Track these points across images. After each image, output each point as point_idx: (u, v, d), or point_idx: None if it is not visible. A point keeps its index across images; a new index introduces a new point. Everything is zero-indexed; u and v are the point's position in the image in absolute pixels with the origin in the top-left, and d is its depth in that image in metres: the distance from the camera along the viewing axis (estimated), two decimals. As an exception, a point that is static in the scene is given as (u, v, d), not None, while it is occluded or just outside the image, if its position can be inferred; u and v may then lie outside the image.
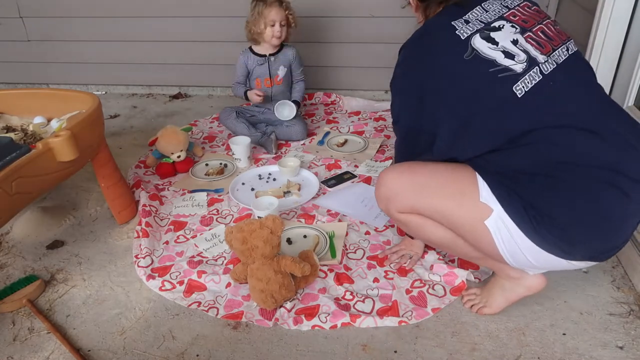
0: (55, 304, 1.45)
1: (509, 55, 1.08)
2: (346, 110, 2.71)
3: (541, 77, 1.08)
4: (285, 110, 2.28)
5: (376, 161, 2.13)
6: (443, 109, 1.13)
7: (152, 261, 1.58)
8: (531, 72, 1.07)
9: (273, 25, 2.18)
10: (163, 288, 1.47)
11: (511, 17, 1.15)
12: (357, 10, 2.65)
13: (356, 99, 2.77)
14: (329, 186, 1.96)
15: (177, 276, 1.51)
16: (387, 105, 2.70)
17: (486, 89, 1.08)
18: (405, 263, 1.50)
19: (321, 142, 2.33)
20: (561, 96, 1.08)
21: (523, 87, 1.06)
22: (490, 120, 1.09)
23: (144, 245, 1.61)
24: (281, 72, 2.31)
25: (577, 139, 1.05)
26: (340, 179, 2.01)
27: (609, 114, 1.10)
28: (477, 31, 1.11)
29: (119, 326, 1.36)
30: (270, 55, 2.28)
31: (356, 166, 2.10)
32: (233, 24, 2.79)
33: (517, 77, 1.06)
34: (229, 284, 1.46)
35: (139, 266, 1.55)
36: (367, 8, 2.63)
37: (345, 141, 2.32)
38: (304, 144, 2.33)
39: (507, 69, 1.07)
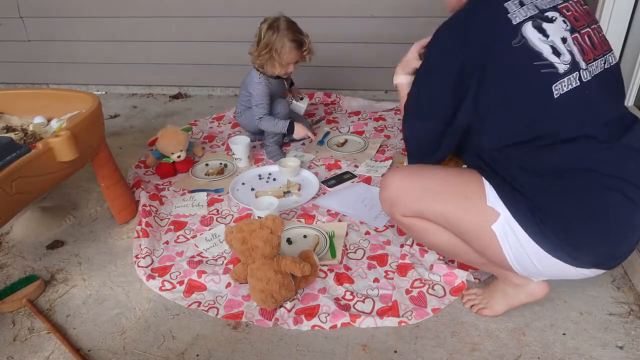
0: (55, 304, 1.45)
1: (555, 52, 1.05)
2: (346, 110, 2.70)
3: (579, 83, 1.05)
4: (302, 104, 2.26)
5: (376, 161, 2.13)
6: (481, 89, 1.08)
7: (152, 261, 1.58)
8: (571, 75, 1.04)
9: (286, 66, 2.02)
10: (163, 288, 1.47)
11: (564, 10, 1.10)
12: (357, 10, 2.65)
13: (356, 99, 2.77)
14: (329, 186, 1.96)
15: (177, 276, 1.51)
16: (387, 105, 2.72)
17: (526, 80, 1.05)
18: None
19: (321, 142, 2.33)
20: (590, 107, 1.06)
21: (561, 88, 1.04)
22: (522, 111, 1.07)
23: (144, 245, 1.61)
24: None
25: (589, 148, 1.05)
26: (340, 179, 2.01)
27: (623, 127, 1.09)
28: (529, 18, 1.06)
29: (119, 326, 1.36)
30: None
31: (356, 166, 2.10)
32: (233, 24, 2.80)
33: (558, 76, 1.04)
34: (229, 284, 1.46)
35: (139, 266, 1.55)
36: (367, 8, 2.63)
37: (345, 141, 2.32)
38: (303, 144, 2.33)
39: (551, 65, 1.04)
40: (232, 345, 1.28)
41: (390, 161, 2.12)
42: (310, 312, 1.35)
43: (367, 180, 1.99)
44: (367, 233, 1.68)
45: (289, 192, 1.91)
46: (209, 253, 1.61)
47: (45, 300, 1.46)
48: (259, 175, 2.05)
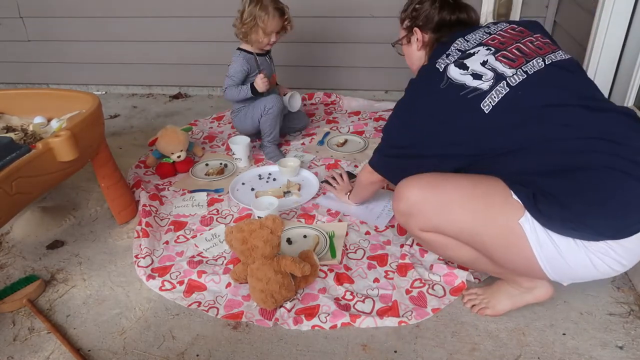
0: (55, 304, 1.45)
1: (477, 76, 1.15)
2: (346, 110, 2.71)
3: (508, 89, 1.12)
4: (296, 101, 2.24)
5: (376, 161, 2.13)
6: (428, 135, 1.23)
7: (152, 261, 1.58)
8: (498, 87, 1.12)
9: (270, 34, 2.09)
10: (163, 288, 1.47)
11: (490, 41, 1.22)
12: (357, 10, 2.65)
13: (356, 99, 2.77)
14: (329, 186, 1.96)
15: (177, 276, 1.51)
16: (387, 105, 2.71)
17: (459, 110, 1.15)
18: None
19: (321, 142, 2.33)
20: (527, 102, 1.11)
21: (490, 102, 1.12)
22: (463, 134, 1.16)
23: (144, 245, 1.61)
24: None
25: (546, 135, 1.09)
26: (340, 179, 2.00)
27: (589, 109, 1.11)
28: (453, 61, 1.19)
29: (119, 326, 1.36)
30: (267, 53, 2.22)
31: (356, 166, 2.10)
32: (233, 24, 2.80)
33: (484, 94, 1.12)
34: (229, 284, 1.46)
35: (139, 266, 1.55)
36: (367, 8, 2.63)
37: (345, 141, 2.32)
38: (303, 143, 2.33)
39: (475, 89, 1.13)
40: (232, 345, 1.28)
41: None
42: (310, 312, 1.35)
43: (367, 180, 1.99)
44: (367, 233, 1.68)
45: (289, 192, 1.91)
46: (209, 253, 1.61)
47: (45, 300, 1.46)
48: (259, 175, 2.05)
